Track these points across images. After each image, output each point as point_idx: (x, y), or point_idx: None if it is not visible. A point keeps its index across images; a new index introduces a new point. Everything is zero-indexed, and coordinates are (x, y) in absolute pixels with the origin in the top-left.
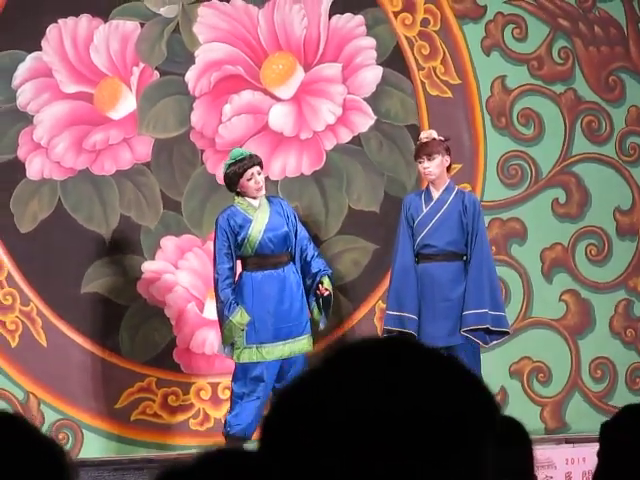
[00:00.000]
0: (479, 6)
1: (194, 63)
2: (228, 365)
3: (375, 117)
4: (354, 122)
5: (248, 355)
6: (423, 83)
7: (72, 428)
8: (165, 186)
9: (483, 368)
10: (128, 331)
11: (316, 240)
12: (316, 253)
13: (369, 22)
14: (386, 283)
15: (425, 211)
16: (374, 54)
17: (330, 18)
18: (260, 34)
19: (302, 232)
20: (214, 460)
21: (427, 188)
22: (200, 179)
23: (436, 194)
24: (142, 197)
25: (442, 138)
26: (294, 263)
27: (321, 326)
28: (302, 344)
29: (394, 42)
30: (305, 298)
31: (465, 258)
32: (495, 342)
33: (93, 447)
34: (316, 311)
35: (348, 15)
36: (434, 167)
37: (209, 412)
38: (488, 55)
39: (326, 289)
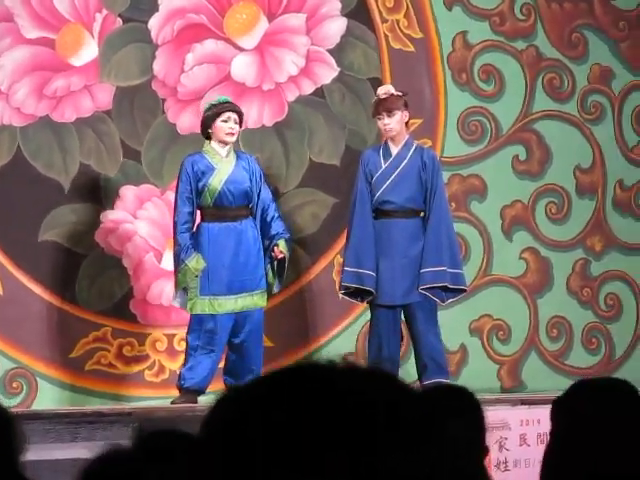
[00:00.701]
0: None
1: (157, 11)
2: (184, 317)
3: (338, 69)
4: (317, 74)
5: (201, 307)
6: (386, 36)
7: (26, 377)
8: (125, 135)
9: (444, 325)
10: (85, 280)
11: (276, 193)
12: (276, 215)
13: None
14: (345, 237)
15: (384, 167)
16: (339, 5)
17: None
18: None
19: (265, 192)
20: None
21: (385, 143)
22: (161, 128)
23: (395, 150)
24: (102, 145)
25: (400, 93)
26: (254, 219)
27: (275, 289)
28: (256, 299)
29: None
30: (262, 254)
31: (423, 215)
32: (451, 300)
33: (47, 396)
34: (270, 274)
35: None
36: (394, 123)
37: (164, 363)
38: (450, 10)
39: (281, 252)
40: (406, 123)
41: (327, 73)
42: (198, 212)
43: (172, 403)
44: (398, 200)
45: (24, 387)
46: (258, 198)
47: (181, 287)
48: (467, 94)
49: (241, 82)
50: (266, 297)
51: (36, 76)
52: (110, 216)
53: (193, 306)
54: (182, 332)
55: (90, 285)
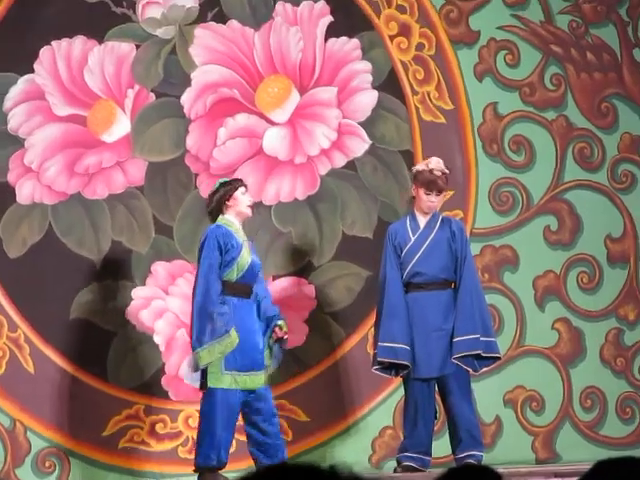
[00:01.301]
0: (473, 31)
1: (190, 85)
2: None
3: (370, 142)
4: (349, 147)
5: (225, 382)
6: (417, 108)
7: (59, 456)
8: (158, 210)
9: (478, 397)
10: (116, 358)
11: (310, 266)
12: (268, 294)
13: (365, 45)
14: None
15: (413, 239)
16: (370, 78)
17: (326, 41)
18: (256, 57)
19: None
20: None
21: (412, 215)
22: (193, 203)
23: (423, 221)
24: (134, 221)
25: (447, 171)
26: None
27: (272, 368)
28: (265, 377)
29: (389, 66)
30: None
31: (454, 286)
32: (485, 369)
33: (80, 475)
34: (267, 354)
35: (344, 38)
36: (439, 202)
37: None
38: (481, 81)
39: (285, 332)
40: None
41: (359, 146)
42: None
43: None
44: (430, 271)
45: (57, 466)
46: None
47: (209, 361)
48: (498, 165)
49: (273, 156)
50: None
51: (67, 153)
52: (141, 292)
53: (216, 381)
54: None
55: (121, 362)
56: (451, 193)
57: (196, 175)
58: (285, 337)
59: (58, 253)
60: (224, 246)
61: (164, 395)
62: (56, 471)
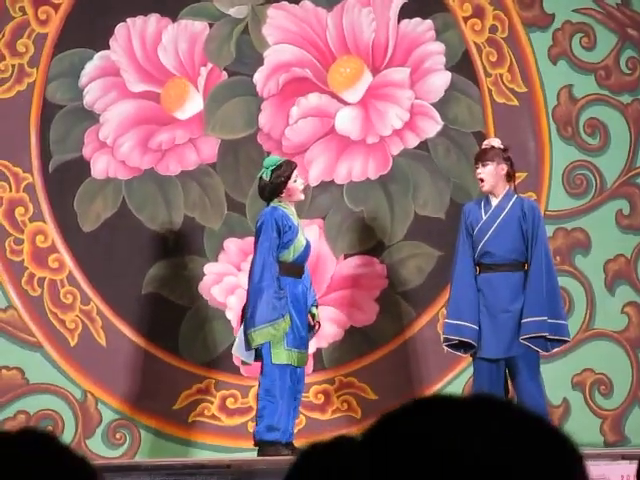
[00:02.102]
0: (547, 14)
1: (262, 64)
2: None
3: (442, 123)
4: (421, 127)
5: (286, 357)
6: (490, 90)
7: (129, 428)
8: (230, 187)
9: (546, 379)
10: (188, 332)
11: (381, 245)
12: (309, 276)
13: (438, 27)
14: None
15: (484, 218)
16: (443, 59)
17: (399, 22)
18: (329, 37)
19: None
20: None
21: (487, 196)
22: None
23: (495, 201)
24: (206, 198)
25: (501, 147)
26: None
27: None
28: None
29: (463, 48)
30: None
31: (526, 266)
32: (555, 349)
33: (150, 448)
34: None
35: (417, 19)
36: (486, 174)
37: None
38: (555, 64)
39: (317, 322)
40: (509, 176)
41: (431, 127)
42: None
43: (262, 455)
44: (500, 251)
45: (127, 438)
46: None
47: (260, 343)
48: (572, 148)
49: (345, 135)
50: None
51: (141, 130)
52: (214, 268)
53: (277, 357)
54: None
55: (193, 337)
56: (524, 175)
57: (268, 153)
58: (316, 327)
59: (131, 228)
60: (282, 228)
61: (235, 370)
62: (126, 443)
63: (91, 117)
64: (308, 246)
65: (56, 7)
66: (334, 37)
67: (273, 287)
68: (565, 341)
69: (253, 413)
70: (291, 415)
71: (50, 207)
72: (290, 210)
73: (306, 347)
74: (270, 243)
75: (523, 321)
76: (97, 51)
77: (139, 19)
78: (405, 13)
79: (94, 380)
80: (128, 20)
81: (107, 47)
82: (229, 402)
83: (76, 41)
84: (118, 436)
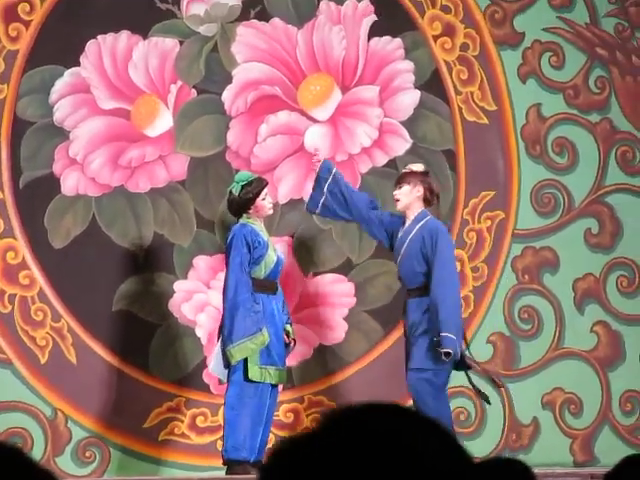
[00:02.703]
0: (518, 32)
1: (231, 82)
2: None
3: (411, 141)
4: (390, 145)
5: (259, 375)
6: (460, 108)
7: (99, 446)
8: (199, 205)
9: (516, 399)
10: (158, 350)
11: (349, 263)
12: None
13: (408, 45)
14: None
15: (398, 240)
16: (412, 77)
17: (369, 40)
18: (299, 55)
19: None
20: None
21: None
22: None
23: (407, 224)
24: (176, 215)
25: (421, 170)
26: None
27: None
28: (285, 374)
29: (432, 66)
30: None
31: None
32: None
33: (120, 466)
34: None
35: (387, 38)
36: (401, 194)
37: None
38: (524, 82)
39: (292, 339)
40: (427, 201)
41: (400, 145)
42: None
43: (230, 474)
44: (407, 276)
45: (97, 456)
46: None
47: (240, 359)
48: (540, 167)
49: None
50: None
51: (111, 146)
52: (183, 286)
53: (254, 373)
54: None
55: (163, 355)
56: (492, 194)
57: (237, 171)
58: (292, 344)
59: (102, 245)
60: (252, 244)
61: (205, 388)
62: (96, 461)
63: (61, 134)
64: (279, 262)
65: (27, 24)
66: (304, 55)
67: (249, 301)
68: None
69: (222, 432)
70: (260, 433)
71: (21, 223)
72: (259, 226)
73: (283, 364)
74: (241, 259)
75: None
76: (68, 68)
77: (110, 36)
78: (375, 31)
79: (64, 398)
80: (99, 37)
81: (78, 64)
82: (199, 420)
83: (47, 58)
84: (88, 454)
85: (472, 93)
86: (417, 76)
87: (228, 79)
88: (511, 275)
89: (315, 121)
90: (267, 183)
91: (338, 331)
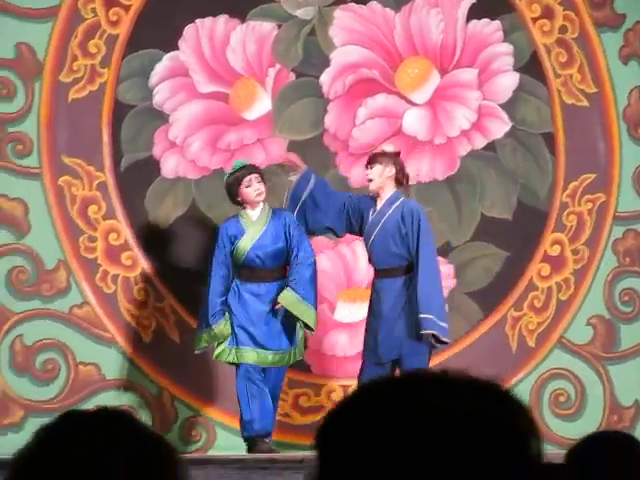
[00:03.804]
0: (618, 14)
1: (329, 66)
2: (359, 368)
3: (510, 124)
4: (489, 128)
5: (226, 355)
6: (559, 91)
7: (204, 425)
8: None
9: (617, 381)
10: None
11: (447, 246)
12: (295, 261)
13: (506, 28)
14: (519, 291)
15: (369, 221)
16: (511, 60)
17: (467, 23)
18: (396, 38)
19: (297, 245)
20: None
21: (374, 197)
22: (333, 181)
23: (379, 205)
24: (275, 198)
25: (392, 151)
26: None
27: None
28: (277, 358)
29: (531, 49)
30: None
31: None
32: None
33: (224, 445)
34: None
35: (485, 20)
36: (373, 174)
37: None
38: (626, 64)
39: (277, 303)
40: (398, 181)
41: (499, 127)
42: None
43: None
44: (381, 257)
45: (202, 435)
46: (297, 248)
47: (201, 348)
48: None
49: (412, 136)
50: (287, 357)
51: (210, 130)
52: None
53: (220, 354)
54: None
55: None
56: (593, 176)
57: (335, 154)
58: (277, 307)
59: (202, 227)
60: (227, 239)
61: (307, 369)
62: (202, 440)
63: (161, 117)
64: (255, 255)
65: (127, 8)
66: (402, 38)
67: (214, 297)
68: (444, 342)
69: (325, 412)
70: (249, 411)
71: (122, 205)
72: (245, 216)
73: (264, 346)
74: (217, 257)
75: (419, 316)
76: (166, 52)
77: (208, 20)
78: (473, 14)
79: (169, 377)
80: (197, 21)
81: (176, 48)
82: (302, 400)
83: (146, 42)
84: (194, 433)
85: (571, 76)
86: (516, 59)
87: (326, 62)
88: (612, 258)
89: (413, 104)
90: (255, 170)
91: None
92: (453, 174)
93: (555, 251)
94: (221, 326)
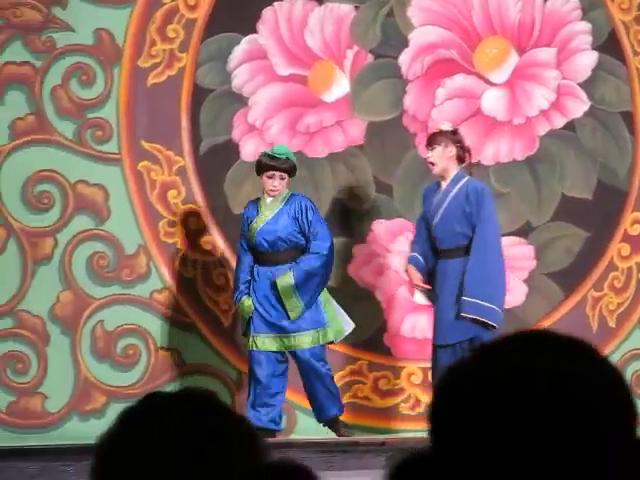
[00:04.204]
0: None
1: (408, 46)
2: None
3: (589, 103)
4: (568, 107)
5: (247, 343)
6: (638, 69)
7: (286, 409)
8: (377, 169)
9: None
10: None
11: (527, 227)
12: (309, 246)
13: (585, 6)
14: (599, 271)
15: (434, 204)
16: (589, 38)
17: (545, 1)
18: (474, 17)
19: (312, 233)
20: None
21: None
22: (412, 163)
23: (443, 185)
24: (354, 180)
25: (450, 129)
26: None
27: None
28: (298, 340)
29: (610, 27)
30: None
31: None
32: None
33: (305, 428)
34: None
35: None
36: (435, 157)
37: (420, 397)
38: None
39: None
40: (460, 159)
41: (578, 107)
42: None
43: None
44: (446, 238)
45: (284, 418)
46: (306, 236)
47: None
48: None
49: (491, 116)
50: (312, 338)
51: (289, 112)
52: (363, 250)
53: (246, 342)
54: None
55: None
56: None
57: (414, 135)
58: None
59: None
60: (246, 219)
61: (386, 352)
62: (283, 423)
63: (240, 100)
64: (266, 233)
65: None
66: (480, 17)
67: (240, 275)
68: (492, 326)
69: (405, 395)
70: (255, 402)
71: (201, 190)
72: (263, 198)
73: (275, 331)
74: (241, 232)
75: (462, 298)
76: (245, 35)
77: (286, 2)
78: None
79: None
80: (275, 4)
81: (254, 31)
82: (382, 383)
83: (224, 25)
84: None
85: None
86: (594, 37)
87: (404, 43)
88: None
89: (492, 84)
90: (282, 169)
91: (518, 294)
92: (532, 154)
93: (635, 230)
94: (245, 304)
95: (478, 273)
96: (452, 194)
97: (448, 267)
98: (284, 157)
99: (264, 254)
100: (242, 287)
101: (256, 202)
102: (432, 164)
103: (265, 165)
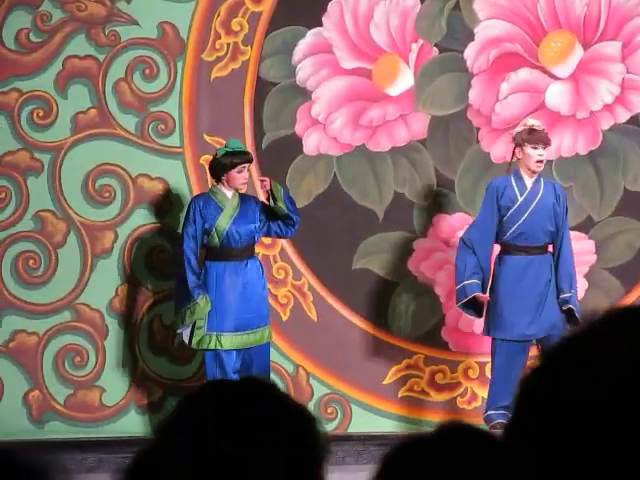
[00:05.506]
0: None
1: (473, 40)
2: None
3: None
4: (632, 102)
5: (207, 342)
6: None
7: (340, 402)
8: (439, 163)
9: None
10: (398, 308)
11: (590, 221)
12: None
13: None
14: None
15: (520, 200)
16: None
17: None
18: (540, 11)
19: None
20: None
21: (517, 175)
22: (475, 157)
23: (529, 182)
24: (416, 174)
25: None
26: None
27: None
28: (260, 335)
29: None
30: (266, 292)
31: (551, 248)
32: None
33: (361, 422)
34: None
35: None
36: (544, 156)
37: (477, 391)
38: None
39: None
40: None
41: None
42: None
43: None
44: (534, 234)
45: (338, 412)
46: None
47: (182, 325)
48: None
49: (555, 110)
50: (270, 331)
51: (353, 106)
52: (423, 244)
53: (200, 342)
54: None
55: (403, 313)
56: None
57: (478, 129)
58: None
59: (342, 203)
60: (200, 215)
61: (444, 346)
62: (337, 417)
63: (304, 94)
64: (236, 231)
65: None
66: (545, 11)
67: (190, 274)
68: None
69: (462, 389)
70: None
71: None
72: (220, 194)
73: (240, 329)
74: (189, 230)
75: (563, 296)
76: (310, 28)
77: None
78: None
79: (305, 354)
80: None
81: (320, 24)
82: (438, 377)
83: (289, 19)
84: (329, 410)
85: None
86: None
87: (470, 36)
88: None
89: (556, 78)
90: (251, 161)
91: (578, 289)
92: (595, 148)
93: None
94: (202, 302)
95: (574, 270)
96: (541, 193)
97: (533, 263)
98: (244, 149)
99: (232, 249)
100: (198, 282)
101: (209, 196)
102: (542, 162)
103: (235, 163)
